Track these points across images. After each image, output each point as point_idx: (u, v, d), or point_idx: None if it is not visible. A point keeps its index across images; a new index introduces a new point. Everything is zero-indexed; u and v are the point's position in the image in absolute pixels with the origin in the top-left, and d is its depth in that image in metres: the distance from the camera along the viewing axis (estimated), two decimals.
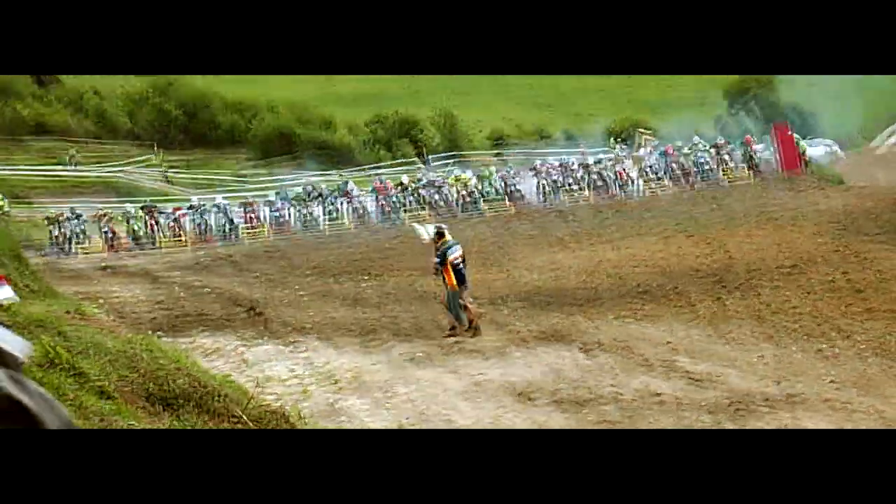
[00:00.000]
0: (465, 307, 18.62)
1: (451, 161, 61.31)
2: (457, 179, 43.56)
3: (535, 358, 16.23)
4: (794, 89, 71.23)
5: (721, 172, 42.28)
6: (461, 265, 18.82)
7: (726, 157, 42.97)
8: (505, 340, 17.70)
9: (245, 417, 9.89)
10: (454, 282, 18.57)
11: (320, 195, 42.99)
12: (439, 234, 19.43)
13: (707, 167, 42.66)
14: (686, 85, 72.78)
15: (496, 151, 66.18)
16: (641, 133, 54.02)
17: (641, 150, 46.02)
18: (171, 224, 41.90)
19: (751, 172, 42.70)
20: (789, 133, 44.81)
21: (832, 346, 15.63)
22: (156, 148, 74.55)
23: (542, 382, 14.51)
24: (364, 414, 13.51)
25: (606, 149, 53.95)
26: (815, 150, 47.69)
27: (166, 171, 66.82)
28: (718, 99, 70.95)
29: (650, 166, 42.57)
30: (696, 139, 44.10)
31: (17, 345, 1.13)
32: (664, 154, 42.70)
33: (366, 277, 27.90)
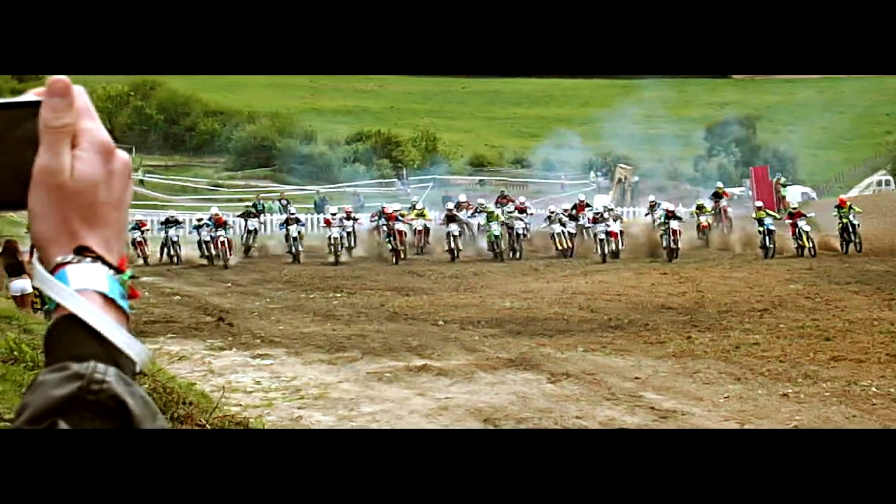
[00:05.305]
0: None
1: (430, 183, 61.35)
2: (419, 214, 40.73)
3: (502, 384, 16.20)
4: (776, 134, 71.92)
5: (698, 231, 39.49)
6: None
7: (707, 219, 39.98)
8: (473, 365, 17.68)
9: (208, 426, 9.82)
10: None
11: (298, 220, 40.39)
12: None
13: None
14: (669, 122, 73.36)
15: (478, 178, 66.21)
16: (622, 168, 54.22)
17: (620, 187, 45.91)
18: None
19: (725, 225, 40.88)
20: (768, 177, 45.19)
21: (797, 391, 15.67)
22: (133, 151, 74.22)
23: (509, 409, 14.48)
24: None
25: (587, 180, 54.20)
26: (792, 194, 48.17)
27: (142, 175, 66.46)
28: (699, 139, 71.39)
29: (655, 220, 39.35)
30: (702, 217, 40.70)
31: (137, 349, 1.17)
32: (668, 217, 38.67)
33: (338, 294, 27.84)
